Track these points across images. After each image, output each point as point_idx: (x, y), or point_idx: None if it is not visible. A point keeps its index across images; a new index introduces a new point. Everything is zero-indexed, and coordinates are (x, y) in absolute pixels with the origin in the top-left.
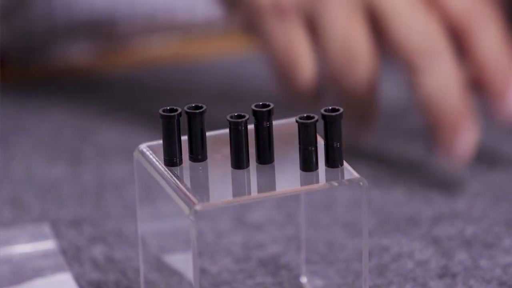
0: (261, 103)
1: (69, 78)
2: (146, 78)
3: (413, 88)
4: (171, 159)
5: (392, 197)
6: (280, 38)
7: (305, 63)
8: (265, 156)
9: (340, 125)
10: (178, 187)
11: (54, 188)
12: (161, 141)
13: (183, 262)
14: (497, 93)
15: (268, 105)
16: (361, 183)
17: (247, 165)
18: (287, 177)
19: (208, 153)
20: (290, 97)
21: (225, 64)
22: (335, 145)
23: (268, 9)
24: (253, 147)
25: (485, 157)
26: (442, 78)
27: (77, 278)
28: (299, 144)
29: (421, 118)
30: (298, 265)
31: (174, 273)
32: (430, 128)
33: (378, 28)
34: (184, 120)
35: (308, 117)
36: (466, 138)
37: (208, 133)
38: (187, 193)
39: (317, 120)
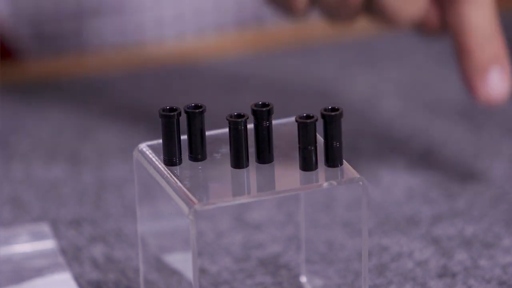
0: (260, 103)
1: (69, 78)
2: (146, 78)
3: (454, 19)
4: (171, 159)
5: (392, 197)
6: None
7: None
8: (265, 156)
9: (340, 125)
10: (177, 186)
11: (54, 188)
12: (160, 141)
13: (182, 262)
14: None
15: (268, 105)
16: (361, 183)
17: (247, 165)
18: (287, 177)
19: (208, 153)
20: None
21: (224, 63)
22: (334, 144)
23: None
24: (252, 147)
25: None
26: (485, 12)
27: (77, 278)
28: (299, 143)
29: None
30: (298, 265)
31: (173, 273)
32: (461, 60)
33: None
34: (183, 119)
35: (308, 117)
36: (497, 78)
37: (207, 133)
38: (187, 192)
39: (316, 120)
